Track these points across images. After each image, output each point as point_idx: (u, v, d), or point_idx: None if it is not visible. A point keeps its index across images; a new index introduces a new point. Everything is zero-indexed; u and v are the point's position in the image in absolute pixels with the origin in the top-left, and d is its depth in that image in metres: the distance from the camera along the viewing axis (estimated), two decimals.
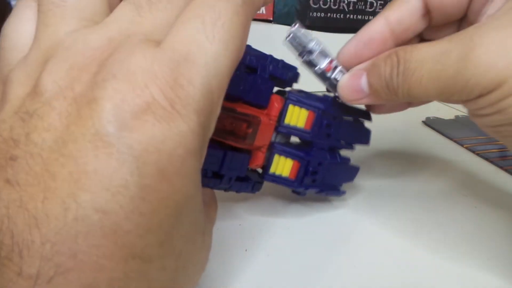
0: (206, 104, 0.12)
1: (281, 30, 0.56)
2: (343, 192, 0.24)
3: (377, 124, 0.25)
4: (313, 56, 0.19)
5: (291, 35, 0.20)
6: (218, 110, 0.13)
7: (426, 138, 0.36)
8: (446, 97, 0.16)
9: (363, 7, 0.57)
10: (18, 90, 0.12)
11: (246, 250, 0.21)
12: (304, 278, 0.19)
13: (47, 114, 0.11)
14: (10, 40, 0.14)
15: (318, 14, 0.56)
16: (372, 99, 0.19)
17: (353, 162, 0.24)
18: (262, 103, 0.19)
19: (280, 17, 0.55)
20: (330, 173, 0.22)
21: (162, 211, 0.11)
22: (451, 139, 0.35)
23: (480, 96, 0.15)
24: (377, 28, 0.20)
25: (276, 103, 0.19)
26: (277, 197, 0.26)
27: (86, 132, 0.11)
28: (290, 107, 0.20)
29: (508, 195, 0.26)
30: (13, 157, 0.11)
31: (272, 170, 0.20)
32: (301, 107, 0.20)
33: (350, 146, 0.24)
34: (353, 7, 0.57)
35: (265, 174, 0.20)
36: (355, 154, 0.25)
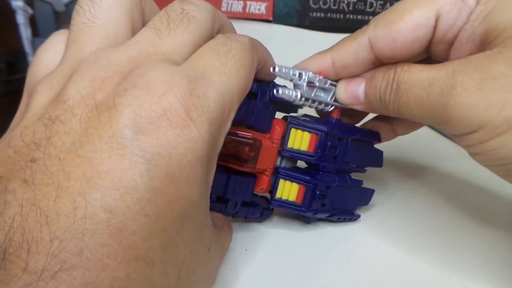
0: (218, 115, 0.13)
1: (281, 30, 0.56)
2: (358, 216, 0.23)
3: None
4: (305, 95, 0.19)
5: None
6: (228, 125, 0.15)
7: (430, 140, 0.36)
8: (435, 125, 0.16)
9: (363, 7, 0.57)
10: (41, 99, 0.13)
11: (246, 250, 0.21)
12: (304, 278, 0.19)
13: (69, 119, 0.12)
14: (40, 59, 0.16)
15: (318, 14, 0.56)
16: (366, 108, 0.19)
17: (366, 183, 0.23)
18: (264, 127, 0.19)
19: (280, 17, 0.55)
20: (341, 197, 0.21)
21: (167, 215, 0.12)
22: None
23: (463, 135, 0.15)
24: (323, 63, 0.20)
25: (278, 127, 0.20)
26: None
27: (103, 134, 0.11)
28: (292, 130, 0.20)
29: (508, 195, 0.26)
30: (33, 159, 0.11)
31: (278, 195, 0.20)
32: (303, 130, 0.20)
33: (360, 168, 0.23)
34: (353, 7, 0.57)
35: (272, 199, 0.20)
36: None
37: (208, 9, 0.16)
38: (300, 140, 0.20)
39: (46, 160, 0.11)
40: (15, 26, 0.41)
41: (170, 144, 0.12)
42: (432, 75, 0.16)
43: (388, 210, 0.25)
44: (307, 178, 0.20)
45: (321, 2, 0.55)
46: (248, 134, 0.18)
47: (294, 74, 0.18)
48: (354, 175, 0.23)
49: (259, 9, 0.53)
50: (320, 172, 0.20)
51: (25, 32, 0.42)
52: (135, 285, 0.11)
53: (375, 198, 0.24)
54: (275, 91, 0.18)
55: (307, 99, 0.19)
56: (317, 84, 0.19)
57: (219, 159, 0.15)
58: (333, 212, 0.21)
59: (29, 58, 0.43)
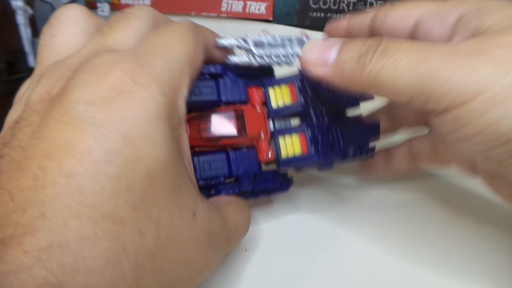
0: (168, 79, 0.14)
1: (281, 30, 0.56)
2: (373, 149, 0.23)
3: None
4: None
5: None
6: (183, 90, 0.15)
7: None
8: (418, 96, 0.14)
9: (363, 7, 0.57)
10: (12, 114, 0.15)
11: (246, 250, 0.21)
12: (304, 278, 0.19)
13: (29, 115, 0.13)
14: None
15: (318, 14, 0.56)
16: (332, 71, 0.17)
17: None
18: (241, 99, 0.19)
19: (280, 17, 0.55)
20: (346, 134, 0.21)
21: (130, 174, 0.12)
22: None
23: (453, 109, 0.14)
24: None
25: (255, 93, 0.19)
26: (277, 197, 0.26)
27: (56, 114, 0.13)
28: (270, 90, 0.20)
29: None
30: (1, 155, 0.13)
31: (283, 154, 0.19)
32: (279, 85, 0.20)
33: (354, 102, 0.22)
34: (353, 7, 0.57)
35: (280, 163, 0.19)
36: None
37: (147, 9, 0.17)
38: (280, 96, 0.20)
39: (11, 152, 0.12)
40: (15, 26, 0.41)
41: (120, 108, 0.13)
42: (429, 44, 0.15)
43: (388, 210, 0.25)
44: (302, 124, 0.20)
45: (321, 2, 0.55)
46: (228, 109, 0.18)
47: (238, 41, 0.19)
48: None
49: (259, 9, 0.53)
50: (313, 116, 0.19)
51: (25, 32, 0.41)
52: (105, 242, 0.12)
53: (375, 198, 0.24)
54: (226, 60, 0.18)
55: (263, 58, 0.19)
56: (265, 42, 0.19)
57: (209, 144, 0.15)
58: (345, 151, 0.20)
59: (29, 58, 0.43)
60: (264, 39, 0.19)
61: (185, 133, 0.16)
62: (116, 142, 0.12)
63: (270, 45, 0.19)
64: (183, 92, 0.15)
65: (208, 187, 0.18)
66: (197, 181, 0.17)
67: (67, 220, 0.11)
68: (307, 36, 0.20)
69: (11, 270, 0.11)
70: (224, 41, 0.19)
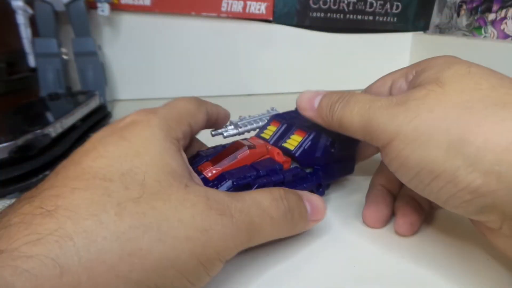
0: (167, 115, 0.19)
1: (281, 30, 0.56)
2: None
3: None
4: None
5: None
6: (179, 125, 0.19)
7: None
8: (365, 135, 0.19)
9: (363, 7, 0.57)
10: None
11: (246, 250, 0.21)
12: (304, 278, 0.19)
13: None
14: None
15: (318, 14, 0.56)
16: (315, 114, 0.22)
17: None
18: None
19: (280, 17, 0.55)
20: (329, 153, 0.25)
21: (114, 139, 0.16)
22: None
23: (385, 146, 0.18)
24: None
25: (276, 155, 0.23)
26: None
27: None
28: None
29: None
30: None
31: (290, 148, 0.24)
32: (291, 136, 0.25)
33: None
34: (353, 7, 0.57)
35: (296, 154, 0.23)
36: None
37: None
38: (293, 140, 0.25)
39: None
40: (15, 26, 0.41)
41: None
42: (375, 97, 0.19)
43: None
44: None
45: (321, 2, 0.55)
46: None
47: (224, 128, 0.27)
48: None
49: (259, 9, 0.53)
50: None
51: (25, 32, 0.41)
52: (92, 190, 0.14)
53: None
54: (223, 134, 0.27)
55: (239, 131, 0.28)
56: (239, 123, 0.28)
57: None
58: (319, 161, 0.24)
59: (29, 58, 0.43)
60: (239, 123, 0.28)
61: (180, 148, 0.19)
62: None
63: (249, 122, 0.28)
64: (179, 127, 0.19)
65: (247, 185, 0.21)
66: (234, 183, 0.20)
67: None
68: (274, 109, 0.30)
69: None
70: (217, 133, 0.27)
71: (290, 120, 0.26)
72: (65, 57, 0.45)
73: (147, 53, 0.52)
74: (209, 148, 0.24)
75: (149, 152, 0.16)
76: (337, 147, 0.25)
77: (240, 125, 0.28)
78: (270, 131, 0.26)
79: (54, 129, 0.29)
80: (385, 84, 0.23)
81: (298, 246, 0.21)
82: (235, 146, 0.23)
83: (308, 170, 0.24)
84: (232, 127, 0.27)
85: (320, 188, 0.24)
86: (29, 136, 0.26)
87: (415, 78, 0.20)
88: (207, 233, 0.15)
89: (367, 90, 0.24)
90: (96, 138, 0.17)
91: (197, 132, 0.22)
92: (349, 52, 0.60)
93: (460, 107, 0.16)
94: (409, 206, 0.23)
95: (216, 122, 0.24)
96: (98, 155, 0.15)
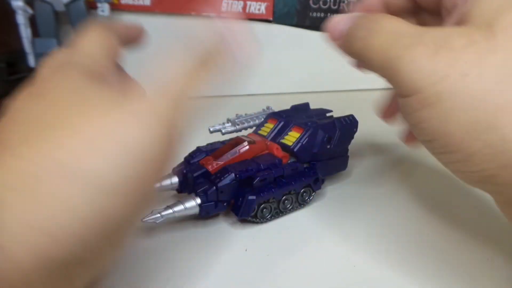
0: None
1: (281, 30, 0.56)
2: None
3: (376, 122, 0.25)
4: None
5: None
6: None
7: None
8: (385, 75, 0.16)
9: None
10: None
11: (246, 250, 0.21)
12: (304, 278, 0.19)
13: None
14: None
15: (318, 14, 0.56)
16: (341, 43, 0.20)
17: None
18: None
19: (280, 17, 0.55)
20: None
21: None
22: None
23: (403, 97, 0.15)
24: (372, 1, 0.22)
25: (275, 150, 0.24)
26: None
27: None
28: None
29: None
30: None
31: (288, 144, 0.25)
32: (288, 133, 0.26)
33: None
34: (353, 7, 0.57)
35: (291, 149, 0.24)
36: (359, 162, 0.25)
37: None
38: (290, 136, 0.25)
39: None
40: (15, 26, 0.41)
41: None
42: (404, 29, 0.16)
43: (389, 210, 0.25)
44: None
45: (321, 2, 0.55)
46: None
47: (222, 125, 0.29)
48: None
49: (259, 9, 0.53)
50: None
51: (25, 32, 0.41)
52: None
53: (376, 198, 0.24)
54: (222, 131, 0.29)
55: (237, 128, 0.29)
56: (237, 121, 0.29)
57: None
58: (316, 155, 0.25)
59: (29, 58, 0.43)
60: (236, 120, 0.29)
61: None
62: None
63: (246, 120, 0.29)
64: None
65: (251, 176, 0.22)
66: (237, 176, 0.21)
67: None
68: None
69: None
70: (215, 129, 0.28)
71: (287, 118, 0.27)
72: None
73: (147, 53, 0.52)
74: (207, 144, 0.25)
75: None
76: (333, 143, 0.25)
77: (238, 123, 0.28)
78: (267, 128, 0.27)
79: None
80: None
81: (297, 247, 0.21)
82: (236, 142, 0.24)
83: (305, 165, 0.25)
84: (230, 124, 0.28)
85: (317, 182, 0.25)
86: None
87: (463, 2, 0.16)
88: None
89: None
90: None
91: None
92: None
93: (500, 77, 0.13)
94: None
95: (131, 33, 0.24)
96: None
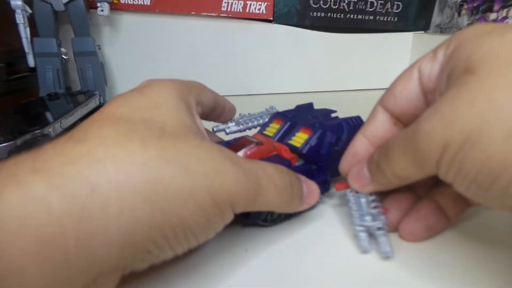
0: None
1: (281, 30, 0.56)
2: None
3: None
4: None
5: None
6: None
7: None
8: (421, 170, 0.17)
9: (363, 7, 0.57)
10: None
11: (246, 250, 0.20)
12: (304, 279, 0.19)
13: None
14: None
15: (318, 14, 0.56)
16: (374, 184, 0.21)
17: None
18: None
19: (280, 17, 0.55)
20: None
21: None
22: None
23: (438, 162, 0.16)
24: (358, 142, 0.23)
25: (284, 152, 0.24)
26: None
27: None
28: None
29: None
30: None
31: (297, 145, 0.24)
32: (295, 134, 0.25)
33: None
34: (353, 6, 0.57)
35: (299, 150, 0.24)
36: None
37: None
38: (299, 138, 0.25)
39: None
40: (14, 25, 0.41)
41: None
42: (407, 128, 0.18)
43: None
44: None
45: (321, 2, 0.55)
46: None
47: (226, 124, 0.27)
48: None
49: (259, 9, 0.53)
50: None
51: (24, 31, 0.41)
52: (122, 129, 0.15)
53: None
54: (226, 130, 0.27)
55: (241, 128, 0.28)
56: (241, 120, 0.28)
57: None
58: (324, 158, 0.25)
59: (29, 57, 0.43)
60: (240, 119, 0.28)
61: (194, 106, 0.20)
62: None
63: (250, 119, 0.28)
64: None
65: None
66: None
67: None
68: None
69: None
70: (219, 129, 0.27)
71: (292, 118, 0.26)
72: (64, 57, 0.45)
73: (147, 53, 0.52)
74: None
75: (166, 105, 0.17)
76: (340, 144, 0.25)
77: (242, 122, 0.28)
78: (273, 129, 0.26)
79: (54, 129, 0.29)
80: (410, 79, 0.20)
81: (298, 247, 0.21)
82: (243, 143, 0.23)
83: (313, 167, 0.25)
84: (234, 124, 0.27)
85: (326, 183, 0.25)
86: (28, 136, 0.26)
87: (446, 61, 0.18)
88: (221, 175, 0.16)
89: (390, 95, 0.21)
90: (118, 96, 0.17)
91: (207, 108, 0.23)
92: (349, 52, 0.59)
93: (504, 88, 0.14)
94: (430, 208, 0.21)
95: (223, 111, 0.25)
96: (120, 105, 0.16)
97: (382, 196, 0.22)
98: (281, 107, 0.30)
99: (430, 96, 0.20)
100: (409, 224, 0.21)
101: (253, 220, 0.22)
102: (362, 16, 0.58)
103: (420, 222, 0.21)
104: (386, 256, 0.20)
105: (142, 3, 0.49)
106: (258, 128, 0.28)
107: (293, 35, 0.56)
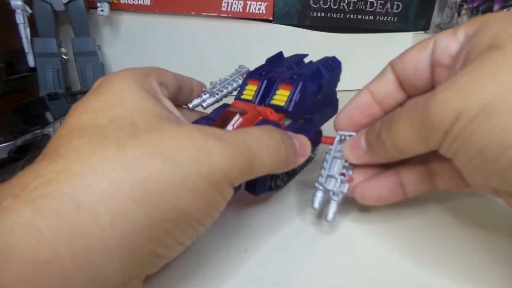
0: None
1: (281, 30, 0.56)
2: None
3: None
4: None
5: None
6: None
7: None
8: (425, 143, 0.17)
9: (363, 7, 0.57)
10: None
11: (246, 250, 0.21)
12: (304, 278, 0.19)
13: None
14: None
15: (318, 14, 0.56)
16: (369, 155, 0.21)
17: None
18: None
19: (280, 17, 0.55)
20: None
21: None
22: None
23: (446, 133, 0.16)
24: (363, 96, 0.23)
25: (270, 115, 0.23)
26: (277, 197, 0.26)
27: None
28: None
29: None
30: None
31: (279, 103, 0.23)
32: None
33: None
34: (353, 6, 0.57)
35: (283, 108, 0.23)
36: None
37: None
38: (280, 95, 0.23)
39: None
40: (14, 25, 0.41)
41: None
42: (416, 100, 0.18)
43: (388, 210, 0.25)
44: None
45: (321, 2, 0.55)
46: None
47: (200, 98, 0.25)
48: None
49: (259, 9, 0.53)
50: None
51: (24, 31, 0.41)
52: (92, 137, 0.14)
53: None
54: (202, 105, 0.25)
55: (217, 98, 0.26)
56: (215, 90, 0.26)
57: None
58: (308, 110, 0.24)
59: (29, 57, 0.43)
60: (213, 88, 0.26)
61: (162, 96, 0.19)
62: None
63: (223, 86, 0.27)
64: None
65: None
66: None
67: None
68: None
69: None
70: (194, 105, 0.25)
71: (268, 75, 0.25)
72: (64, 57, 0.45)
73: (147, 53, 0.52)
74: (193, 122, 0.23)
75: (129, 99, 0.16)
76: (323, 91, 0.24)
77: (216, 92, 0.26)
78: (250, 91, 0.25)
79: (54, 129, 0.29)
80: (424, 48, 0.20)
81: (297, 247, 0.21)
82: (226, 116, 0.22)
83: (301, 122, 0.24)
84: (208, 95, 0.26)
85: (318, 136, 0.24)
86: (28, 136, 0.26)
87: (468, 40, 0.18)
88: (208, 155, 0.15)
89: (400, 59, 0.22)
90: (76, 104, 0.17)
91: (173, 89, 0.22)
92: (349, 52, 0.59)
93: None
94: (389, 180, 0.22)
95: (192, 90, 0.24)
96: (82, 112, 0.15)
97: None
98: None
99: (437, 71, 0.20)
100: (363, 190, 0.22)
101: (259, 192, 0.21)
102: (362, 16, 0.58)
103: (373, 191, 0.22)
104: (327, 220, 0.21)
105: (142, 3, 0.49)
106: (235, 93, 0.26)
107: (293, 35, 0.56)
